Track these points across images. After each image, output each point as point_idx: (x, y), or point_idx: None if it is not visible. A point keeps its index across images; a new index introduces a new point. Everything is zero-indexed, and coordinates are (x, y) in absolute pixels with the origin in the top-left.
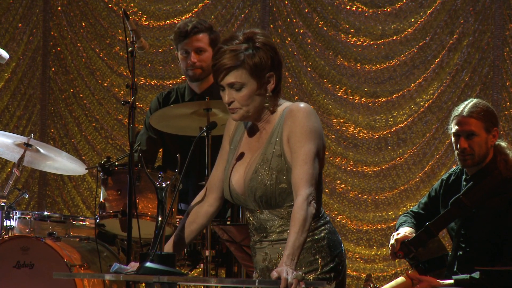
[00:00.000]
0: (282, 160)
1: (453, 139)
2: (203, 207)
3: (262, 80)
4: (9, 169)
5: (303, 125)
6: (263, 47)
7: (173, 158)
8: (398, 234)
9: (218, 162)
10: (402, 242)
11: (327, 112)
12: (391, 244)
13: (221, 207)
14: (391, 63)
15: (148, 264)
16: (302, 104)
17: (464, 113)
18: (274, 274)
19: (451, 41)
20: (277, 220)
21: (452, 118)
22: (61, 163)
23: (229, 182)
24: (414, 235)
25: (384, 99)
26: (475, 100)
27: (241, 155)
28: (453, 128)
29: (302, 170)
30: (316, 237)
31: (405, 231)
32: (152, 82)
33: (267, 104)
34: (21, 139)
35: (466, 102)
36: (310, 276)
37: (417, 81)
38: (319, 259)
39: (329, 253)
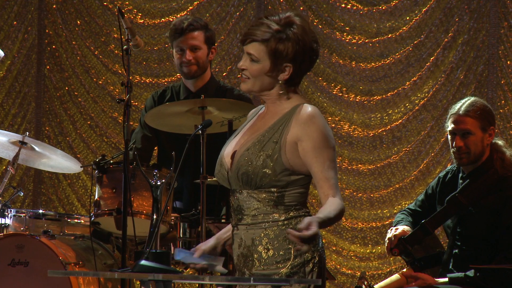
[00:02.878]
0: (276, 147)
1: (449, 137)
2: None
3: (277, 66)
4: (4, 167)
5: (320, 133)
6: (294, 38)
7: (168, 156)
8: (395, 230)
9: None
10: (398, 238)
11: (322, 110)
12: (388, 238)
13: None
14: (386, 61)
15: (143, 262)
16: (310, 108)
17: (460, 112)
18: (306, 221)
19: (446, 39)
20: (254, 202)
21: (449, 116)
22: (56, 161)
23: (221, 157)
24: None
25: (379, 97)
26: (472, 99)
27: (242, 136)
28: (450, 126)
29: (329, 175)
30: (291, 226)
31: (402, 228)
32: (147, 80)
33: (280, 91)
34: (16, 137)
35: (463, 100)
36: (283, 270)
37: (412, 79)
38: (292, 249)
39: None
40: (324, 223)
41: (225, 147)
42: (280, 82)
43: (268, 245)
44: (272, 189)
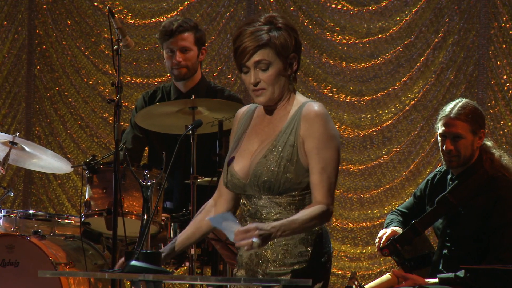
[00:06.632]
0: (294, 150)
1: (439, 139)
2: (214, 207)
3: (287, 60)
4: None
5: (322, 133)
6: (285, 28)
7: (159, 157)
8: (385, 231)
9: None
10: (389, 238)
11: None
12: (379, 237)
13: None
14: (376, 61)
15: (134, 262)
16: (317, 107)
17: (451, 115)
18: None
19: (436, 40)
20: (274, 207)
21: (439, 117)
22: (46, 161)
23: (229, 168)
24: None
25: (369, 97)
26: (463, 101)
27: (248, 142)
28: (440, 128)
29: (321, 177)
30: (310, 230)
31: (393, 228)
32: (138, 80)
33: (290, 86)
34: (6, 137)
35: (454, 102)
36: (299, 271)
37: (402, 80)
38: (310, 251)
39: (320, 248)
40: (281, 232)
41: (230, 155)
42: (291, 77)
43: (286, 246)
44: (294, 193)
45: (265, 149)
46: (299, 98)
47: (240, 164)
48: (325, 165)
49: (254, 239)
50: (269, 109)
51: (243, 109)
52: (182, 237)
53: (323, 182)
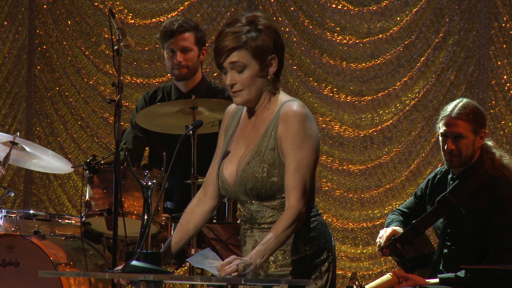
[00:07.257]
0: (275, 153)
1: (440, 138)
2: (199, 206)
3: (264, 62)
4: None
5: (297, 132)
6: (265, 30)
7: (159, 157)
8: (386, 231)
9: (214, 160)
10: (389, 238)
11: (312, 110)
12: (379, 237)
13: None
14: (376, 61)
15: (134, 262)
16: (295, 107)
17: (453, 115)
18: (230, 259)
19: (436, 40)
20: (268, 211)
21: (440, 117)
22: (47, 161)
23: (220, 173)
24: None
25: (369, 97)
26: (464, 101)
27: (236, 146)
28: (441, 128)
29: (294, 178)
30: (306, 227)
31: (393, 228)
32: (138, 80)
33: (269, 87)
34: (7, 137)
35: (455, 102)
36: (299, 270)
37: (403, 80)
38: (309, 249)
39: (319, 244)
40: (261, 257)
41: (220, 159)
42: (269, 78)
43: (285, 246)
44: (283, 194)
45: (249, 155)
46: (282, 97)
47: (229, 169)
48: (299, 166)
49: (238, 263)
50: (251, 111)
51: (233, 106)
52: (171, 242)
53: (296, 183)
